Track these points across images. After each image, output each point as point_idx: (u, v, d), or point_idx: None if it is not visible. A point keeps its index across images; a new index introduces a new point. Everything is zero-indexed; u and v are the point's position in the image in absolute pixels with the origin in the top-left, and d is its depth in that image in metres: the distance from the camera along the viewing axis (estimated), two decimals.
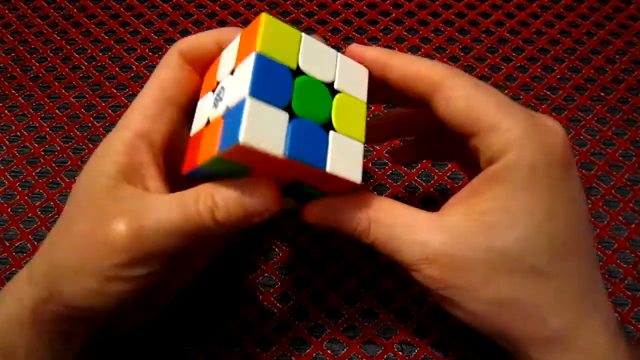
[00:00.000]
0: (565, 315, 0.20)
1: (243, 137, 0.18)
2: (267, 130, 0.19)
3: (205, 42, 0.23)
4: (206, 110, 0.22)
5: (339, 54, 0.22)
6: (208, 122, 0.21)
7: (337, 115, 0.21)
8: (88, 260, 0.21)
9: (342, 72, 0.22)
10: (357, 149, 0.21)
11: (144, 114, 0.23)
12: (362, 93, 0.22)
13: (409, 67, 0.22)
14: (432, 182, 0.33)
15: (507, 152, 0.20)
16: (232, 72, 0.21)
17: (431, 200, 0.33)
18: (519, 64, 0.38)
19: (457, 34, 0.40)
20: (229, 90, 0.20)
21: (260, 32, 0.20)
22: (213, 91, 0.22)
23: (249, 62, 0.19)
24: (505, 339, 0.21)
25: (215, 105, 0.21)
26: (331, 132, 0.21)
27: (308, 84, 0.20)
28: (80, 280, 0.21)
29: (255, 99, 0.18)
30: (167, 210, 0.20)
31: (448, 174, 0.34)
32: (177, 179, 0.23)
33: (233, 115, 0.19)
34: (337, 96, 0.21)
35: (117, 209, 0.21)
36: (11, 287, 0.23)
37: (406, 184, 0.33)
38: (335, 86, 0.21)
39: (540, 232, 0.20)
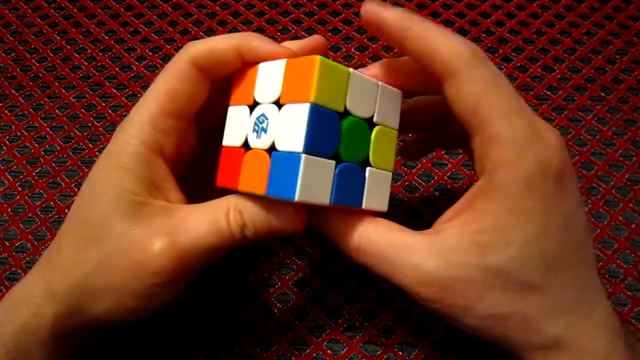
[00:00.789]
0: (559, 324, 0.20)
1: (298, 195, 0.19)
2: (317, 183, 0.20)
3: (222, 49, 0.22)
4: (242, 127, 0.22)
5: (379, 84, 0.22)
6: (246, 143, 0.22)
7: (374, 150, 0.22)
8: (124, 281, 0.21)
9: (381, 103, 0.22)
10: (386, 179, 0.23)
11: (155, 127, 0.22)
12: (395, 120, 0.23)
13: (428, 43, 0.21)
14: (432, 182, 0.33)
15: (502, 166, 0.20)
16: (277, 104, 0.21)
17: (431, 201, 0.33)
18: (519, 64, 0.38)
19: (457, 33, 0.40)
20: (276, 128, 0.20)
21: (315, 80, 0.19)
22: (250, 107, 0.22)
23: (302, 112, 0.19)
24: (505, 345, 0.21)
25: (257, 134, 0.21)
26: (368, 169, 0.22)
27: (353, 125, 0.21)
28: (114, 299, 0.21)
29: (309, 155, 0.19)
30: (203, 229, 0.21)
31: (448, 174, 0.34)
32: (188, 186, 0.24)
33: (284, 165, 0.20)
34: (375, 130, 0.22)
35: (151, 228, 0.21)
36: (25, 296, 0.22)
37: (406, 184, 0.33)
38: (375, 119, 0.22)
39: (534, 249, 0.20)
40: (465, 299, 0.20)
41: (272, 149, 0.20)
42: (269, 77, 0.22)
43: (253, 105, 0.22)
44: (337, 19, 0.41)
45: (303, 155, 0.19)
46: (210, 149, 0.25)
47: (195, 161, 0.25)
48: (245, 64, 0.23)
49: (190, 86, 0.22)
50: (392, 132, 0.23)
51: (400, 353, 0.28)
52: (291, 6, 0.42)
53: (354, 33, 0.40)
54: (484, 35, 0.40)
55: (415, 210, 0.32)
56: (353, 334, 0.28)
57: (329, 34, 0.40)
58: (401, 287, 0.21)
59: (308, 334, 0.28)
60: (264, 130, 0.21)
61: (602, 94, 0.36)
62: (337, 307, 0.29)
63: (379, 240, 0.21)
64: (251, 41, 0.22)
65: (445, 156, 0.34)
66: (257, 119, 0.21)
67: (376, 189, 0.22)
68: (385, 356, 0.28)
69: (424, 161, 0.34)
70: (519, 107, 0.20)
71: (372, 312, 0.29)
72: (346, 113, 0.21)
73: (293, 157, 0.19)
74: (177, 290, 0.22)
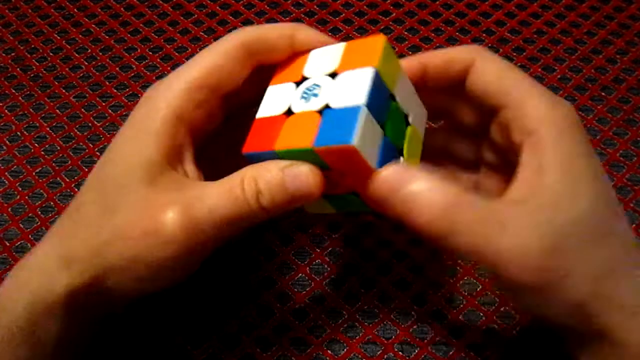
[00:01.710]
0: (631, 278, 0.20)
1: (357, 142, 0.19)
2: (369, 142, 0.20)
3: (274, 37, 0.23)
4: (285, 98, 0.22)
5: (416, 95, 0.24)
6: (289, 111, 0.22)
7: (407, 145, 0.23)
8: (137, 251, 0.21)
9: (415, 108, 0.24)
10: None
11: (190, 96, 0.22)
12: (422, 131, 0.25)
13: (442, 56, 0.24)
14: None
15: (546, 118, 0.21)
16: (332, 75, 0.22)
17: None
18: (519, 64, 0.38)
19: (457, 33, 0.40)
20: (331, 90, 0.21)
21: (380, 52, 0.21)
22: (297, 83, 0.22)
23: (366, 74, 0.21)
24: (592, 327, 0.20)
25: (306, 99, 0.21)
26: (401, 159, 0.22)
27: (396, 111, 0.22)
28: (129, 271, 0.21)
29: (367, 110, 0.20)
30: (217, 199, 0.21)
31: None
32: (202, 165, 0.24)
33: (340, 117, 0.20)
34: (410, 128, 0.23)
35: (166, 198, 0.21)
36: (37, 267, 0.22)
37: None
38: (410, 120, 0.23)
39: (600, 187, 0.21)
40: (570, 261, 0.19)
41: (324, 109, 0.21)
42: (323, 57, 0.23)
43: (300, 82, 0.22)
44: (337, 18, 0.41)
45: (363, 107, 0.19)
46: (227, 134, 0.25)
47: (212, 142, 0.25)
48: (294, 53, 0.24)
49: (233, 65, 0.23)
50: (420, 138, 0.24)
51: (400, 353, 0.28)
52: (291, 6, 0.42)
53: (354, 33, 0.40)
54: (484, 35, 0.39)
55: None
56: (353, 334, 0.28)
57: (330, 33, 0.40)
58: (502, 275, 0.19)
59: (308, 334, 0.28)
60: (315, 95, 0.21)
61: (603, 93, 0.36)
62: (337, 307, 0.29)
63: (467, 215, 0.19)
64: (304, 32, 0.23)
65: None
66: (307, 88, 0.22)
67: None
68: (385, 356, 0.28)
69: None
70: (532, 79, 0.23)
71: (372, 312, 0.29)
72: (393, 98, 0.22)
73: (351, 110, 0.20)
74: (191, 263, 0.22)
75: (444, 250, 0.21)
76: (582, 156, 0.21)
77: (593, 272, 0.20)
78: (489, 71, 0.23)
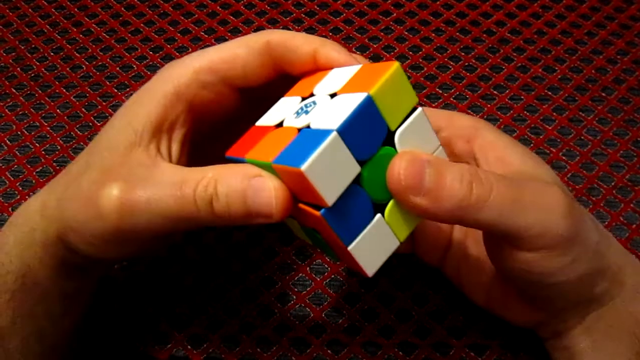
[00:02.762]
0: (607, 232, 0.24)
1: (306, 167, 0.17)
2: (330, 174, 0.17)
3: (300, 45, 0.22)
4: (285, 111, 0.21)
5: (440, 147, 0.20)
6: (280, 124, 0.20)
7: (394, 204, 0.20)
8: (85, 218, 0.21)
9: None
10: (389, 245, 0.20)
11: (195, 76, 0.22)
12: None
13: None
14: None
15: (477, 125, 0.25)
16: (332, 95, 0.20)
17: None
18: (520, 64, 0.38)
19: (458, 33, 0.40)
20: (319, 111, 0.19)
21: (383, 78, 0.18)
22: (303, 99, 0.21)
23: (356, 99, 0.18)
24: (607, 271, 0.22)
25: (297, 115, 0.20)
26: (378, 216, 0.19)
27: (386, 158, 0.19)
28: (79, 232, 0.21)
29: (340, 137, 0.17)
30: (162, 191, 0.20)
31: None
32: (201, 150, 0.24)
33: (310, 139, 0.18)
34: None
35: (120, 172, 0.21)
36: (25, 211, 0.23)
37: None
38: None
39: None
40: (579, 208, 0.21)
41: (303, 128, 0.19)
42: (337, 77, 0.21)
43: (307, 98, 0.21)
44: (337, 18, 0.41)
45: (334, 133, 0.17)
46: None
47: (229, 132, 0.25)
48: (319, 69, 0.22)
49: (251, 58, 0.22)
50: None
51: (400, 353, 0.28)
52: (292, 6, 0.42)
53: (354, 33, 0.40)
54: (484, 35, 0.39)
55: None
56: (353, 334, 0.28)
57: (330, 33, 0.40)
58: (541, 233, 0.19)
59: (308, 334, 0.28)
60: (306, 112, 0.20)
61: (603, 94, 0.36)
62: (338, 307, 0.29)
63: (504, 189, 0.19)
64: (329, 47, 0.22)
65: None
66: (305, 105, 0.20)
67: (374, 245, 0.20)
68: (385, 356, 0.28)
69: None
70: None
71: (372, 312, 0.29)
72: (392, 137, 0.19)
73: (322, 133, 0.17)
74: (127, 245, 0.22)
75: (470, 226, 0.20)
76: (520, 145, 0.24)
77: (590, 216, 0.22)
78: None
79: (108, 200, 0.20)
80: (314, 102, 0.20)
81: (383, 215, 0.19)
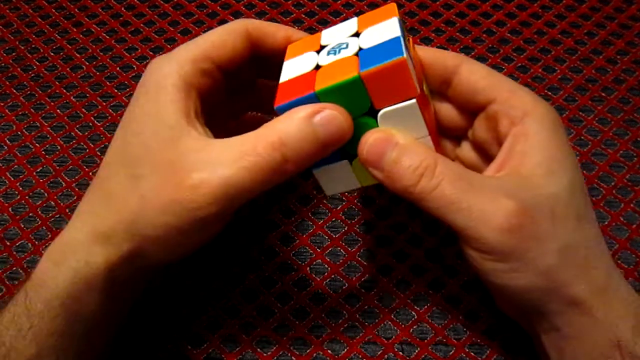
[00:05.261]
0: (605, 261, 0.22)
1: (405, 54, 0.20)
2: (410, 65, 0.21)
3: (275, 32, 0.25)
4: (309, 61, 0.23)
5: (427, 137, 0.23)
6: (318, 67, 0.22)
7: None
8: (168, 220, 0.21)
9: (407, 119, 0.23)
10: (350, 184, 0.25)
11: (196, 64, 0.23)
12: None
13: (425, 56, 0.25)
14: None
15: (531, 110, 0.23)
16: (356, 35, 0.23)
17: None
18: (520, 64, 0.38)
19: (458, 34, 0.40)
20: (361, 40, 0.22)
21: (397, 11, 0.23)
22: (317, 52, 0.23)
23: (392, 22, 0.22)
24: (561, 298, 0.21)
25: (335, 53, 0.22)
26: (345, 161, 0.24)
27: (368, 126, 0.22)
28: (163, 238, 0.22)
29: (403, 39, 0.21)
30: (236, 160, 0.21)
31: None
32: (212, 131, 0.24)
33: (380, 48, 0.21)
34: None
35: (192, 161, 0.21)
36: (73, 245, 0.22)
37: None
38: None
39: (578, 177, 0.22)
40: (542, 229, 0.21)
41: (359, 51, 0.22)
42: (338, 30, 0.24)
43: (320, 50, 0.23)
44: (338, 18, 0.41)
45: (400, 36, 0.21)
46: (229, 107, 0.28)
47: (215, 114, 0.26)
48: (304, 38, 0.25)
49: (237, 42, 0.24)
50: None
51: (400, 353, 0.28)
52: (292, 6, 0.42)
53: None
54: (484, 35, 0.40)
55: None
56: (353, 334, 0.28)
57: None
58: (473, 236, 0.21)
59: (308, 334, 0.28)
60: (345, 47, 0.22)
61: (603, 94, 0.36)
62: (337, 307, 0.29)
63: (448, 188, 0.21)
64: (300, 35, 0.26)
65: None
66: (333, 47, 0.23)
67: (336, 177, 0.24)
68: (385, 356, 0.28)
69: None
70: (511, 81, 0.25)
71: (372, 312, 0.29)
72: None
73: (390, 41, 0.21)
74: (223, 220, 0.23)
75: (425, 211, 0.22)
76: (561, 147, 0.23)
77: (566, 243, 0.21)
78: (477, 71, 0.24)
79: (201, 191, 0.21)
80: (342, 43, 0.23)
81: (351, 162, 0.23)
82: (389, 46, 0.21)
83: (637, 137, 0.35)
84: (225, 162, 0.21)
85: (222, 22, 0.41)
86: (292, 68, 0.23)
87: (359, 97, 0.21)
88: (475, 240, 0.21)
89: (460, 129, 0.26)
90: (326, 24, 0.40)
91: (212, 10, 0.42)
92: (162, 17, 0.42)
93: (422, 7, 0.41)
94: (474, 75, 0.24)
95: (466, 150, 0.27)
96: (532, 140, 0.22)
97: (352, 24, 0.24)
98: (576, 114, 0.36)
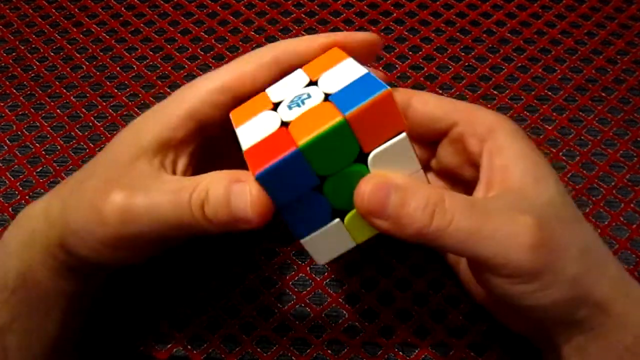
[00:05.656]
0: (612, 256, 0.22)
1: (386, 90, 0.18)
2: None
3: (305, 50, 0.24)
4: (269, 120, 0.21)
5: (420, 171, 0.21)
6: (284, 124, 0.20)
7: (356, 214, 0.21)
8: (88, 224, 0.22)
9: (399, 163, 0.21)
10: (345, 245, 0.22)
11: (209, 97, 0.23)
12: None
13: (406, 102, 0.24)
14: None
15: (496, 124, 0.23)
16: (312, 84, 0.21)
17: None
18: (520, 64, 0.38)
19: (458, 34, 0.40)
20: (324, 86, 0.21)
21: (344, 54, 0.22)
22: (273, 109, 0.21)
23: (349, 62, 0.21)
24: (588, 302, 0.21)
25: (299, 105, 0.20)
26: (337, 220, 0.21)
27: (359, 175, 0.20)
28: (81, 238, 0.22)
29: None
30: (161, 195, 0.21)
31: None
32: (210, 163, 0.24)
33: (354, 87, 0.19)
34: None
35: (123, 181, 0.22)
36: (32, 211, 0.24)
37: None
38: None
39: (557, 183, 0.22)
40: (561, 237, 0.20)
41: (328, 96, 0.20)
42: (285, 84, 0.22)
43: (275, 107, 0.21)
44: (338, 18, 0.41)
45: (369, 72, 0.20)
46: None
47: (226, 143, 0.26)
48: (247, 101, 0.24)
49: (258, 74, 0.23)
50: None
51: (400, 353, 0.28)
52: (292, 6, 0.42)
53: None
54: (484, 35, 0.40)
55: None
56: (353, 334, 0.28)
57: None
58: (502, 263, 0.20)
59: (308, 334, 0.28)
60: (308, 97, 0.20)
61: (603, 94, 0.36)
62: (338, 307, 0.29)
63: (463, 220, 0.20)
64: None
65: None
66: (291, 101, 0.21)
67: (328, 241, 0.21)
68: (385, 356, 0.28)
69: None
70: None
71: (372, 312, 0.29)
72: (366, 156, 0.21)
73: (362, 78, 0.20)
74: (131, 251, 0.23)
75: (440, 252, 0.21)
76: (534, 153, 0.23)
77: (581, 246, 0.21)
78: (430, 101, 0.24)
79: (110, 207, 0.21)
80: (300, 95, 0.21)
81: (343, 220, 0.21)
82: (363, 83, 0.19)
83: (637, 137, 0.35)
84: (158, 191, 0.21)
85: (222, 22, 0.41)
86: (252, 132, 0.21)
87: (347, 143, 0.19)
88: (503, 266, 0.20)
89: (422, 160, 0.26)
90: (326, 24, 0.40)
91: (212, 10, 0.42)
92: (162, 17, 0.42)
93: (422, 7, 0.41)
94: (427, 105, 0.24)
95: (432, 181, 0.27)
96: (508, 153, 0.22)
97: (299, 75, 0.22)
98: (576, 114, 0.36)
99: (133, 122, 0.24)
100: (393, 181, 0.20)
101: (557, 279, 0.20)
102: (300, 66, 0.23)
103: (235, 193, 0.20)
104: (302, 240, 0.21)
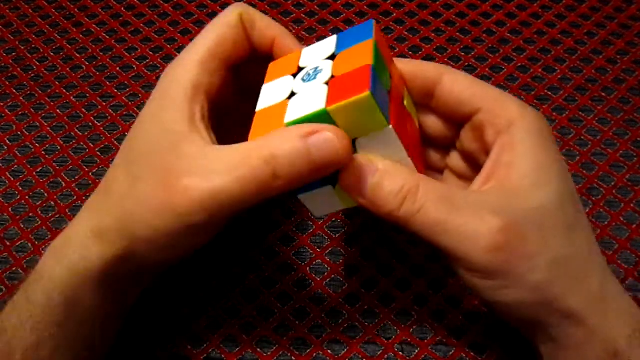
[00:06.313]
0: (599, 270, 0.22)
1: (371, 89, 0.20)
2: (382, 99, 0.21)
3: (265, 28, 0.25)
4: (285, 88, 0.23)
5: (407, 158, 0.22)
6: (292, 95, 0.22)
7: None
8: (158, 223, 0.21)
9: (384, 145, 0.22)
10: (335, 206, 0.24)
11: (202, 66, 0.23)
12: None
13: (406, 69, 0.24)
14: None
15: (518, 119, 0.22)
16: (331, 57, 0.23)
17: None
18: (520, 64, 0.38)
19: (458, 34, 0.40)
20: (336, 65, 0.22)
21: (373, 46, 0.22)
22: (294, 75, 0.23)
23: (368, 45, 0.22)
24: (555, 311, 0.21)
25: (309, 80, 0.22)
26: (328, 186, 0.23)
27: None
28: (152, 241, 0.22)
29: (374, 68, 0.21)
30: (224, 174, 0.20)
31: None
32: (220, 133, 0.24)
33: (350, 78, 0.21)
34: None
35: (187, 167, 0.21)
36: (72, 238, 0.23)
37: None
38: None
39: (567, 185, 0.22)
40: (531, 244, 0.20)
41: (330, 80, 0.21)
42: (317, 49, 0.24)
43: (297, 73, 0.23)
44: (337, 18, 0.41)
45: (372, 66, 0.20)
46: (238, 107, 0.27)
47: (225, 115, 0.26)
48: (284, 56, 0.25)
49: (235, 34, 0.24)
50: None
51: (400, 353, 0.28)
52: (292, 6, 0.42)
53: None
54: (484, 35, 0.40)
55: None
56: (353, 334, 0.28)
57: (330, 34, 0.40)
58: (460, 257, 0.21)
59: (308, 334, 0.28)
60: (320, 72, 0.22)
61: (603, 94, 0.36)
62: (337, 307, 0.29)
63: (432, 210, 0.21)
64: (289, 41, 0.25)
65: None
66: (307, 73, 0.23)
67: (321, 201, 0.24)
68: (385, 356, 0.28)
69: None
70: (497, 89, 0.24)
71: (372, 312, 0.29)
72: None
73: (362, 69, 0.20)
74: (206, 234, 0.23)
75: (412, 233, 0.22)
76: (549, 156, 0.22)
77: (556, 256, 0.21)
78: (461, 81, 0.24)
79: (190, 197, 0.21)
80: (316, 67, 0.22)
81: (334, 187, 0.23)
82: (358, 77, 0.20)
83: (637, 137, 0.35)
84: (218, 170, 0.21)
85: None
86: (269, 94, 0.23)
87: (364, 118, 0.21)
88: (461, 260, 0.21)
89: (448, 139, 0.26)
90: (326, 24, 0.40)
91: (212, 10, 0.42)
92: (162, 17, 0.42)
93: (422, 7, 0.41)
94: (457, 85, 0.24)
95: (455, 160, 0.27)
96: (518, 150, 0.22)
97: (331, 42, 0.24)
98: (576, 114, 0.36)
99: (144, 117, 0.24)
100: (373, 164, 0.22)
101: (515, 283, 0.21)
102: (263, 39, 0.25)
103: (316, 143, 0.20)
104: (298, 196, 0.23)
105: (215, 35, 0.24)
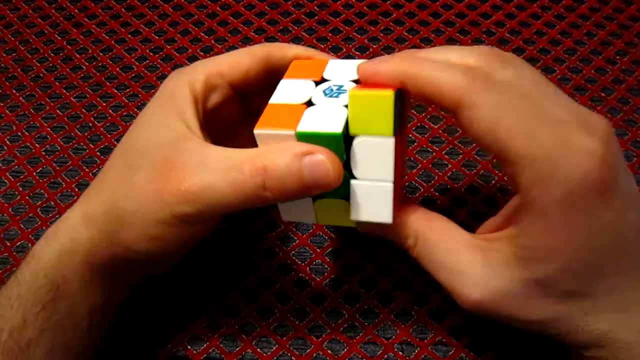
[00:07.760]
0: (605, 323, 0.21)
1: (392, 92, 0.20)
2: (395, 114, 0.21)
3: (288, 51, 0.26)
4: (304, 91, 0.23)
5: (390, 183, 0.22)
6: (310, 103, 0.22)
7: (326, 201, 0.24)
8: (147, 209, 0.22)
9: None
10: (308, 218, 0.25)
11: (208, 79, 0.25)
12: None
13: (426, 82, 0.21)
14: (432, 182, 0.33)
15: (536, 185, 0.19)
16: (356, 82, 0.23)
17: (432, 201, 0.33)
18: None
19: (457, 34, 0.40)
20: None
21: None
22: (316, 82, 0.23)
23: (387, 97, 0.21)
24: (556, 339, 0.22)
25: (331, 95, 0.22)
26: (309, 198, 0.24)
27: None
28: (139, 226, 0.22)
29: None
30: (217, 173, 0.21)
31: (448, 174, 0.34)
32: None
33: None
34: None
35: (176, 164, 0.22)
36: (64, 223, 0.24)
37: (407, 184, 0.33)
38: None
39: (579, 262, 0.20)
40: (509, 309, 0.22)
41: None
42: (342, 66, 0.24)
43: (320, 82, 0.23)
44: (337, 19, 0.41)
45: (394, 94, 0.20)
46: (241, 117, 0.28)
47: (230, 125, 0.27)
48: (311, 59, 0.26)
49: (252, 65, 0.25)
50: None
51: (400, 353, 0.28)
52: (292, 7, 0.42)
53: (354, 33, 0.40)
54: (484, 35, 0.40)
55: None
56: (353, 334, 0.28)
57: (330, 34, 0.40)
58: (447, 290, 0.23)
59: (308, 334, 0.28)
60: (343, 91, 0.22)
61: (603, 94, 0.36)
62: (337, 307, 0.29)
63: (433, 242, 0.23)
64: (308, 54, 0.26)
65: (446, 156, 0.34)
66: (330, 87, 0.23)
67: (296, 210, 0.24)
68: (385, 356, 0.28)
69: (425, 161, 0.34)
70: (540, 117, 0.19)
71: (372, 312, 0.29)
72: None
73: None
74: (193, 230, 0.23)
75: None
76: (570, 227, 0.19)
77: (543, 319, 0.22)
78: (481, 118, 0.19)
79: (172, 191, 0.21)
80: (341, 85, 0.23)
81: (314, 201, 0.23)
82: (384, 87, 0.21)
83: (636, 137, 0.35)
84: (212, 168, 0.21)
85: (222, 22, 0.41)
86: (287, 90, 0.23)
87: (337, 150, 0.21)
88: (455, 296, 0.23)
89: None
90: (326, 24, 0.40)
91: (212, 11, 0.42)
92: (162, 17, 0.42)
93: (421, 7, 0.41)
94: (477, 124, 0.20)
95: None
96: (531, 219, 0.20)
97: (352, 65, 0.24)
98: None
99: (146, 116, 0.24)
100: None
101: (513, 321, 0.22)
102: (285, 61, 0.26)
103: (310, 164, 0.20)
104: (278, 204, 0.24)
105: (232, 58, 0.25)
